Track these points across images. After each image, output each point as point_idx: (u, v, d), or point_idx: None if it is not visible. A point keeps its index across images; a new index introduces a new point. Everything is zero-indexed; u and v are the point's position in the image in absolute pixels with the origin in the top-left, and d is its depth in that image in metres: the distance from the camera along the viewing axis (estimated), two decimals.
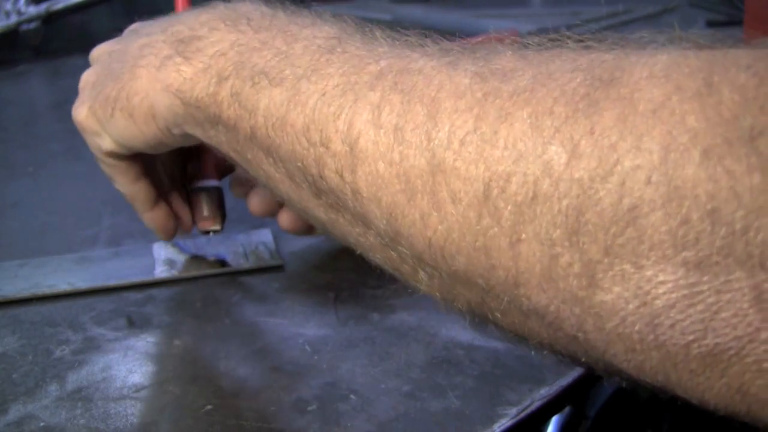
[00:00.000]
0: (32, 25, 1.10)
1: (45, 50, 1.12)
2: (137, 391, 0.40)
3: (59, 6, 1.13)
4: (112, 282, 0.50)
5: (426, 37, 0.33)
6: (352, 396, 0.39)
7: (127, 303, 0.48)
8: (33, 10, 1.11)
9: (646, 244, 0.22)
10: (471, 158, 0.26)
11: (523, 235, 0.25)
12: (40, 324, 0.46)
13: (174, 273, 0.50)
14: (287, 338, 0.44)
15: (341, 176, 0.30)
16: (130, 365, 0.42)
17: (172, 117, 0.39)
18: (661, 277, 0.22)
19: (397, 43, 0.33)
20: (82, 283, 0.49)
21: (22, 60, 1.10)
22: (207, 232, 0.51)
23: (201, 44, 0.38)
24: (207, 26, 0.38)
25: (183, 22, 0.40)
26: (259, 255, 0.52)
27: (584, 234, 0.23)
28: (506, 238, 0.25)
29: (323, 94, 0.31)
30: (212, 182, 0.50)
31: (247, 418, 0.37)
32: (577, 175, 0.24)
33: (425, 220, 0.28)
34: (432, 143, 0.27)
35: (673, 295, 0.22)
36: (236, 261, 0.52)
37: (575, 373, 0.40)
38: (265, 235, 0.54)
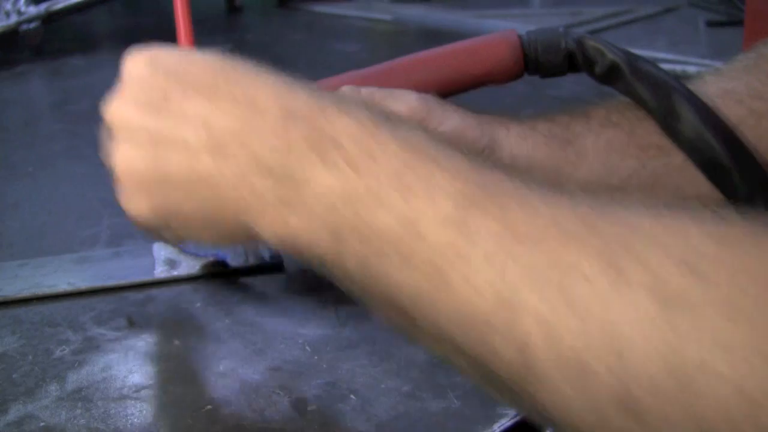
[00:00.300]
0: (32, 25, 1.10)
1: (45, 50, 1.12)
2: (137, 391, 0.40)
3: (59, 6, 1.13)
4: (112, 282, 0.49)
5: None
6: (352, 396, 0.38)
7: (127, 303, 0.48)
8: (33, 10, 1.11)
9: None
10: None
11: None
12: (40, 324, 0.46)
13: (174, 273, 0.50)
14: (287, 338, 0.44)
15: (512, 379, 0.28)
16: (130, 365, 0.42)
17: (274, 243, 0.36)
18: None
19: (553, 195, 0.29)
20: (82, 283, 0.49)
21: (22, 60, 1.10)
22: None
23: (302, 191, 0.33)
24: (296, 155, 0.34)
25: (258, 132, 0.35)
26: (259, 255, 0.52)
27: None
28: None
29: (474, 288, 0.28)
30: None
31: (247, 418, 0.37)
32: None
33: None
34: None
35: None
36: (236, 261, 0.51)
37: None
38: None
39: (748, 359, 0.23)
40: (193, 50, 0.40)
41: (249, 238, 0.36)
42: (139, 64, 0.39)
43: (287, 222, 0.34)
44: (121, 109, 0.38)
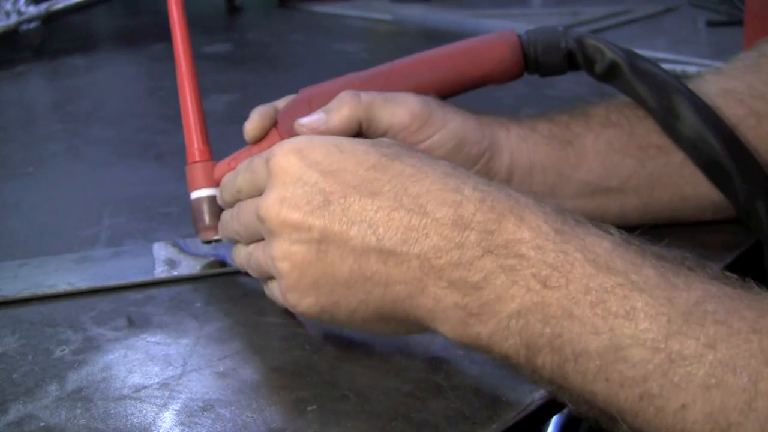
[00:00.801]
0: (32, 25, 1.11)
1: (45, 50, 1.13)
2: (137, 391, 0.40)
3: (59, 6, 1.13)
4: (112, 282, 0.50)
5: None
6: (352, 396, 0.38)
7: (127, 303, 0.48)
8: (33, 10, 1.11)
9: None
10: None
11: None
12: (40, 324, 0.46)
13: (174, 273, 0.50)
14: (287, 338, 0.44)
15: None
16: (130, 365, 0.42)
17: (457, 343, 0.37)
18: None
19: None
20: (82, 283, 0.49)
21: (22, 60, 1.10)
22: (209, 241, 0.51)
23: (486, 301, 0.33)
24: (474, 264, 0.34)
25: (430, 239, 0.35)
26: None
27: None
28: None
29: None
30: (213, 190, 0.50)
31: (247, 418, 0.37)
32: None
33: None
34: None
35: None
36: None
37: None
38: None
39: None
40: (342, 139, 0.39)
41: (424, 331, 0.37)
42: (291, 159, 0.39)
43: (473, 329, 0.34)
44: (278, 207, 0.38)
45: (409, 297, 0.36)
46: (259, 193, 0.41)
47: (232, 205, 0.46)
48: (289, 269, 0.38)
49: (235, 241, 0.46)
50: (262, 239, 0.41)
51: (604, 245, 0.33)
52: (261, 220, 0.39)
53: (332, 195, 0.37)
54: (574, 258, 0.33)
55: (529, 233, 0.33)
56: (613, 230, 0.34)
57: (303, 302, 0.39)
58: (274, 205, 0.38)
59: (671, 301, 0.31)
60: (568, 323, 0.32)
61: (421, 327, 0.37)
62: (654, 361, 0.30)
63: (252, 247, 0.43)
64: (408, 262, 0.35)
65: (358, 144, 0.38)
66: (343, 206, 0.36)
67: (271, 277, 0.42)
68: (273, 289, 0.42)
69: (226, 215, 0.47)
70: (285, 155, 0.39)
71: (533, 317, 0.33)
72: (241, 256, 0.45)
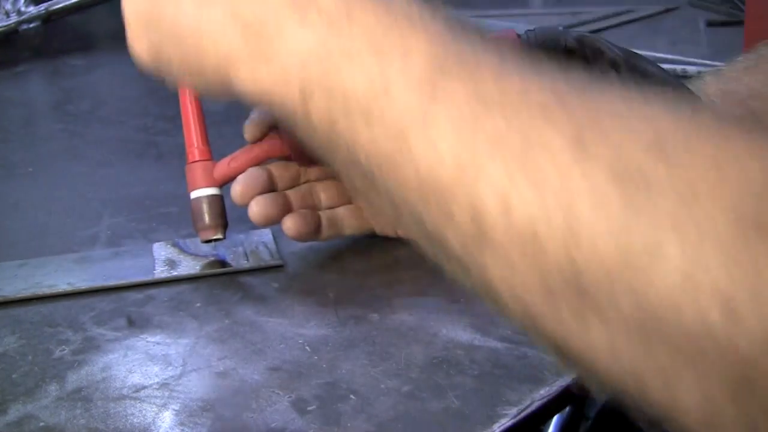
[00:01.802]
0: (32, 25, 1.10)
1: (45, 50, 1.12)
2: (137, 391, 0.40)
3: (59, 6, 1.13)
4: (112, 282, 0.50)
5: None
6: (352, 396, 0.38)
7: (127, 303, 0.48)
8: (33, 10, 1.11)
9: None
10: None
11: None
12: (40, 324, 0.46)
13: (174, 273, 0.50)
14: (287, 338, 0.44)
15: (466, 249, 0.27)
16: (130, 365, 0.42)
17: (249, 98, 0.36)
18: None
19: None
20: (82, 283, 0.49)
21: (22, 60, 1.10)
22: (209, 241, 0.51)
23: (275, 46, 0.33)
24: (273, 9, 0.34)
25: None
26: (259, 255, 0.52)
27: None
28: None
29: (439, 155, 0.28)
30: (213, 190, 0.50)
31: (247, 418, 0.37)
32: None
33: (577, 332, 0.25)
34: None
35: None
36: (236, 261, 0.51)
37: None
38: (265, 235, 0.54)
39: (700, 244, 0.22)
40: None
41: (229, 91, 0.37)
42: None
43: (260, 76, 0.34)
44: None
45: (212, 42, 0.36)
46: None
47: None
48: (128, 15, 0.40)
49: None
50: None
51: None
52: None
53: None
54: (366, 7, 0.32)
55: None
56: None
57: (137, 47, 0.40)
58: None
59: (449, 48, 0.30)
60: (343, 65, 0.31)
61: (227, 84, 0.36)
62: (416, 99, 0.29)
63: None
64: (215, 9, 0.35)
65: None
66: None
67: None
68: None
69: None
70: None
71: (312, 61, 0.32)
72: None
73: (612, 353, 0.25)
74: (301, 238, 0.50)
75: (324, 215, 0.52)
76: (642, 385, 0.24)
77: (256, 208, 0.50)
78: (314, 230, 0.50)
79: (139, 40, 0.40)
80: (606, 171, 0.24)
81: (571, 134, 0.25)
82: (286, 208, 0.50)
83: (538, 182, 0.25)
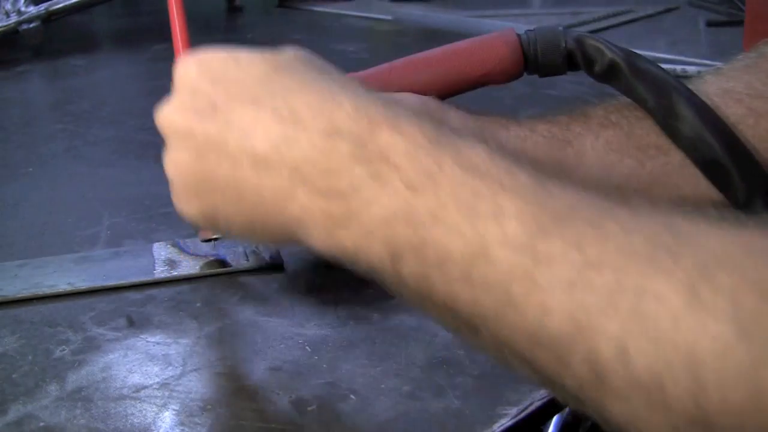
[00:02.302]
0: (32, 25, 1.10)
1: (45, 50, 1.12)
2: (137, 391, 0.40)
3: (59, 6, 1.13)
4: (112, 282, 0.50)
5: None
6: (352, 396, 0.39)
7: (127, 303, 0.48)
8: (33, 10, 1.11)
9: None
10: None
11: None
12: (40, 324, 0.46)
13: (174, 273, 0.50)
14: (287, 338, 0.44)
15: (584, 392, 0.28)
16: (130, 365, 0.42)
17: (325, 254, 0.35)
18: None
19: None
20: (82, 283, 0.49)
21: (22, 60, 1.10)
22: (208, 240, 0.51)
23: (354, 209, 0.32)
24: (344, 172, 0.33)
25: (301, 148, 0.34)
26: (259, 255, 0.52)
27: None
28: None
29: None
30: None
31: (247, 418, 0.37)
32: None
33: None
34: None
35: None
36: (236, 261, 0.52)
37: None
38: None
39: None
40: (243, 52, 0.39)
41: (296, 243, 0.36)
42: (190, 69, 0.39)
43: (339, 238, 0.33)
44: (171, 114, 0.38)
45: (278, 206, 0.35)
46: None
47: None
48: (175, 175, 0.39)
49: None
50: None
51: (478, 152, 0.32)
52: (159, 127, 0.39)
53: (218, 103, 0.37)
54: (445, 164, 0.31)
55: (402, 143, 0.32)
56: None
57: (186, 207, 0.39)
58: (168, 113, 0.38)
59: (542, 204, 0.30)
60: (434, 228, 0.30)
61: (294, 238, 0.36)
62: (518, 261, 0.29)
63: None
64: (279, 170, 0.34)
65: (256, 56, 0.38)
66: (225, 115, 0.36)
67: None
68: None
69: None
70: (186, 64, 0.39)
71: (398, 223, 0.31)
72: None
73: None
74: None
75: None
76: None
77: None
78: None
79: (188, 203, 0.39)
80: (724, 320, 0.25)
81: (682, 283, 0.26)
82: None
83: (655, 334, 0.25)
